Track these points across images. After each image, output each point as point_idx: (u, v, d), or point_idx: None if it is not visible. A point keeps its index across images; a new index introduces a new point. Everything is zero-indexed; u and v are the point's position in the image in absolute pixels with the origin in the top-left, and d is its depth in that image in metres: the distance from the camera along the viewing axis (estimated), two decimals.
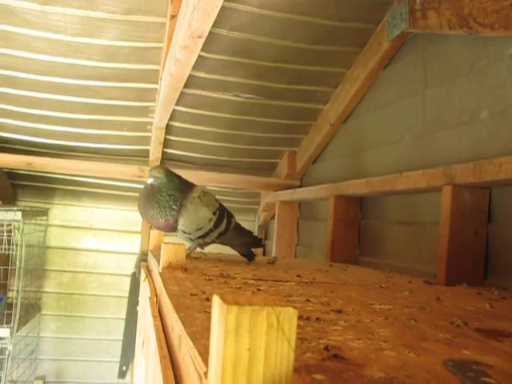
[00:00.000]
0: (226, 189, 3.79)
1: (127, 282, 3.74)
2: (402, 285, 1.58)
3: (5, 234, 3.20)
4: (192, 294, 1.01)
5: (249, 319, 0.43)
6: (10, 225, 3.19)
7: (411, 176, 1.97)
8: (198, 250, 1.87)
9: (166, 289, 1.06)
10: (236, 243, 1.87)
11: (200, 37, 1.60)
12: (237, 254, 1.93)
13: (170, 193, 1.70)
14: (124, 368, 3.52)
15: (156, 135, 3.15)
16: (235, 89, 2.83)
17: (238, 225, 1.85)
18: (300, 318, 0.84)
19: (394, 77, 2.41)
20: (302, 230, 3.47)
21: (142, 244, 3.81)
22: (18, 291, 3.27)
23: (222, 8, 1.43)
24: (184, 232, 1.74)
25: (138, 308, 2.03)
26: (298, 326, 0.45)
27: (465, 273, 1.68)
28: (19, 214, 3.18)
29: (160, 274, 1.32)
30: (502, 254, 1.66)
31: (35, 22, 2.33)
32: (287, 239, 3.50)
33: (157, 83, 2.76)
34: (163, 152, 3.40)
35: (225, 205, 1.87)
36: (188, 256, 1.67)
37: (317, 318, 0.87)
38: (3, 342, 3.21)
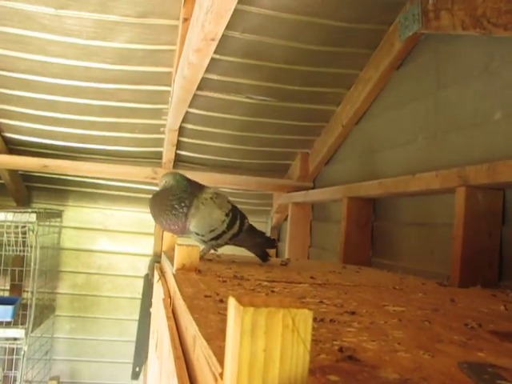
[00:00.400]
0: (239, 190, 3.80)
1: (140, 283, 3.76)
2: (416, 286, 1.58)
3: (20, 235, 3.24)
4: (206, 296, 1.01)
5: (265, 320, 0.44)
6: (24, 226, 3.23)
7: (424, 177, 1.96)
8: (212, 251, 1.87)
9: (180, 290, 1.06)
10: (249, 244, 1.87)
11: (213, 39, 1.61)
12: (250, 255, 1.93)
13: (177, 194, 1.71)
14: (137, 369, 3.54)
15: (169, 137, 3.17)
16: (247, 91, 2.84)
17: (250, 226, 1.85)
18: (314, 319, 0.84)
19: (406, 78, 2.40)
20: (315, 231, 3.46)
21: (156, 246, 3.83)
22: (32, 292, 3.30)
23: (235, 10, 1.44)
24: (197, 234, 1.74)
25: (151, 309, 2.05)
26: (313, 328, 0.46)
27: (479, 275, 1.67)
28: (34, 215, 3.21)
29: (174, 275, 1.33)
30: None
31: (50, 26, 2.35)
32: (300, 241, 3.49)
33: (169, 85, 2.78)
34: (176, 154, 3.42)
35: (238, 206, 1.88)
36: (201, 258, 1.68)
37: (331, 320, 0.87)
38: (18, 342, 3.25)
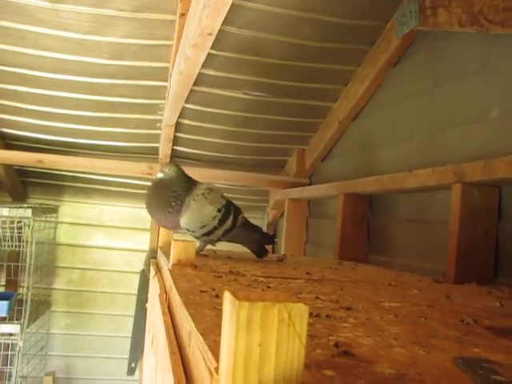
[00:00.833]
0: (235, 187, 3.80)
1: (136, 279, 3.76)
2: (412, 283, 1.58)
3: (15, 231, 3.23)
4: (202, 291, 1.01)
5: (260, 315, 0.43)
6: (20, 222, 3.22)
7: (421, 174, 1.96)
8: (209, 247, 1.87)
9: (175, 285, 1.06)
10: (244, 240, 1.85)
11: (210, 34, 1.61)
12: (247, 250, 1.92)
13: (175, 191, 1.71)
14: (133, 365, 3.54)
15: (165, 133, 3.16)
16: (244, 87, 2.83)
17: (246, 222, 1.83)
18: (310, 315, 0.84)
19: (403, 75, 2.40)
20: (311, 227, 3.46)
21: (152, 241, 3.82)
22: (28, 288, 3.30)
23: (231, 6, 1.43)
24: (188, 230, 1.74)
25: (146, 305, 2.04)
26: (308, 323, 0.46)
27: (474, 271, 1.67)
28: (29, 211, 3.20)
29: (170, 270, 1.32)
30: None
31: (46, 20, 2.34)
32: (296, 237, 3.50)
33: (166, 81, 2.77)
34: (172, 149, 3.41)
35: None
36: (197, 253, 1.68)
37: (326, 315, 0.87)
38: (14, 338, 3.24)
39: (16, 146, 3.37)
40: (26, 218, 3.21)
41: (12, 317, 3.20)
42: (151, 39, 2.50)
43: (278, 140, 3.37)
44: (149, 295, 1.98)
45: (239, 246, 1.90)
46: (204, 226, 1.73)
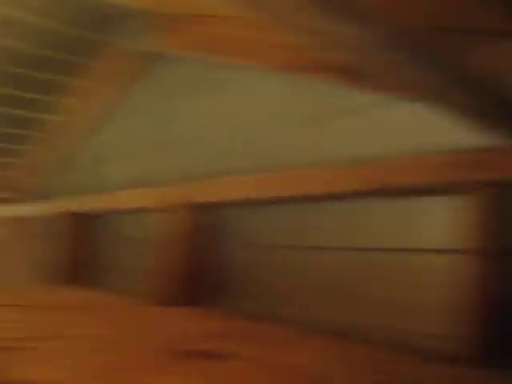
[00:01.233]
0: None
1: None
2: (117, 306, 1.53)
3: None
4: None
5: None
6: None
7: (139, 194, 1.94)
8: None
9: None
10: None
11: None
12: None
13: None
14: None
15: None
16: None
17: None
18: None
19: (139, 90, 2.37)
20: (38, 248, 3.18)
21: None
22: None
23: None
24: None
25: None
26: None
27: (186, 293, 1.69)
28: None
29: None
30: (226, 275, 1.72)
31: None
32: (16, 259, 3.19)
33: None
34: None
35: None
36: None
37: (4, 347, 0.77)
38: None
39: None
40: None
41: None
42: None
43: None
44: None
45: None
46: None
